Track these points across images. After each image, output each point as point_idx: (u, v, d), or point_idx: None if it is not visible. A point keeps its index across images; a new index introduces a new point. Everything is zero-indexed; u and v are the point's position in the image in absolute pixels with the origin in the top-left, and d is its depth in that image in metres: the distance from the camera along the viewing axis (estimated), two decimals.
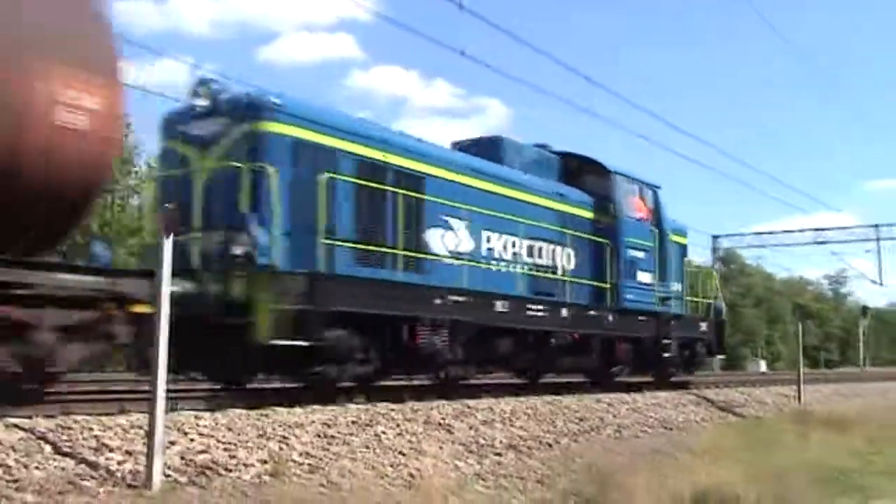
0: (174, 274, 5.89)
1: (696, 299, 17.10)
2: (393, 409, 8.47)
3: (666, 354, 15.02)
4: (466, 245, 11.83)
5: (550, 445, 9.18)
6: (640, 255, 15.31)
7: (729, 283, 55.48)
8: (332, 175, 9.61)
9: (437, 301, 10.54)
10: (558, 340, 12.71)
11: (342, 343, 9.26)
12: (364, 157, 10.37)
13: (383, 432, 7.73)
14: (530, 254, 13.02)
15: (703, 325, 16.78)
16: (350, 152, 10.20)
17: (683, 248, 17.41)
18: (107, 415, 6.60)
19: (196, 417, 6.76)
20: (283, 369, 10.00)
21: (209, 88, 9.68)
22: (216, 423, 6.71)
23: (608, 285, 14.30)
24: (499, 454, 8.33)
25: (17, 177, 6.35)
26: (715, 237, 45.50)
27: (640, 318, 14.77)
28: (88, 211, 7.58)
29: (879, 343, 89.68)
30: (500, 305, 11.57)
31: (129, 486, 5.35)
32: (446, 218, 11.45)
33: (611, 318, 13.96)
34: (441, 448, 7.89)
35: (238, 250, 8.80)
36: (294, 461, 6.54)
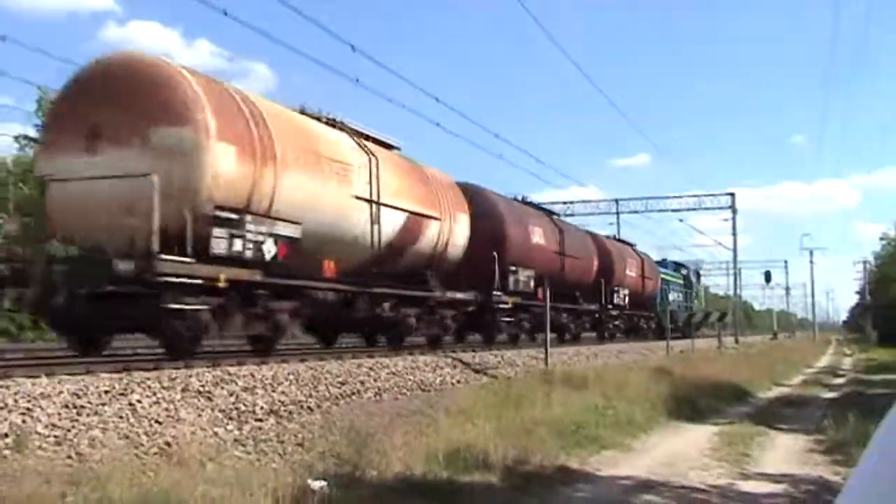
0: None
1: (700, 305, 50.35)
2: (149, 378, 8.19)
3: (702, 328, 41.48)
4: (672, 298, 40.46)
5: (312, 410, 9.29)
6: (695, 292, 49.33)
7: None
8: (670, 288, 41.70)
9: (674, 313, 36.62)
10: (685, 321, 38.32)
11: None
12: (669, 280, 41.58)
13: (138, 401, 7.47)
14: (676, 296, 42.19)
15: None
16: (666, 279, 40.31)
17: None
18: None
19: None
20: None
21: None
22: None
23: (691, 304, 46.34)
24: (259, 420, 8.33)
25: None
26: None
27: (698, 314, 39.70)
28: None
29: None
30: (692, 313, 40.64)
31: None
32: (669, 290, 40.32)
33: (692, 312, 39.69)
34: (200, 415, 7.77)
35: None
36: (39, 434, 6.18)
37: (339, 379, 10.76)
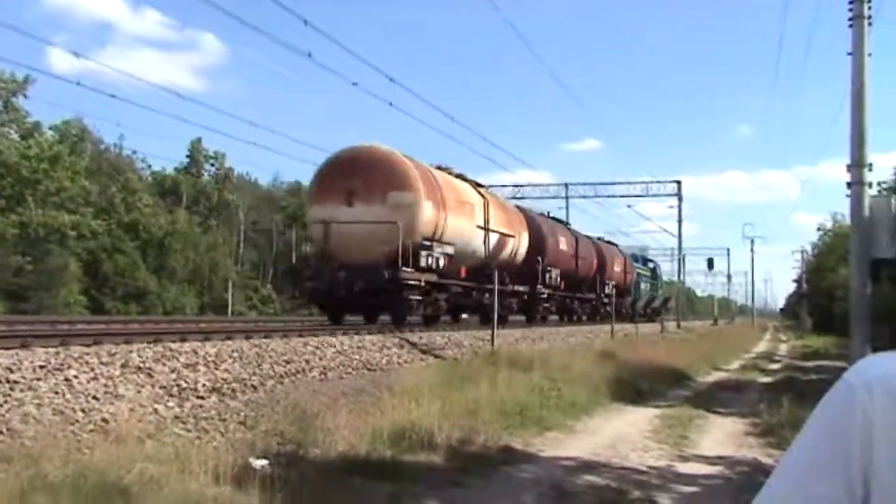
0: None
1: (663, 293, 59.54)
2: (87, 353, 8.02)
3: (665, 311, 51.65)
4: (643, 288, 49.18)
5: (255, 388, 9.20)
6: (660, 283, 59.43)
7: None
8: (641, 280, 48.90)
9: (639, 300, 48.49)
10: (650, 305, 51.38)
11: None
12: (641, 273, 49.00)
13: (75, 376, 7.31)
14: (645, 286, 50.22)
15: (667, 302, 57.23)
16: (639, 272, 48.06)
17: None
18: None
19: None
20: None
21: None
22: None
23: (657, 291, 56.00)
24: (201, 397, 8.22)
25: None
26: None
27: (664, 300, 56.99)
28: None
29: None
30: (657, 300, 54.75)
31: None
32: (640, 281, 48.20)
33: (657, 300, 54.11)
34: (139, 392, 7.63)
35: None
36: None
37: (284, 357, 10.68)
